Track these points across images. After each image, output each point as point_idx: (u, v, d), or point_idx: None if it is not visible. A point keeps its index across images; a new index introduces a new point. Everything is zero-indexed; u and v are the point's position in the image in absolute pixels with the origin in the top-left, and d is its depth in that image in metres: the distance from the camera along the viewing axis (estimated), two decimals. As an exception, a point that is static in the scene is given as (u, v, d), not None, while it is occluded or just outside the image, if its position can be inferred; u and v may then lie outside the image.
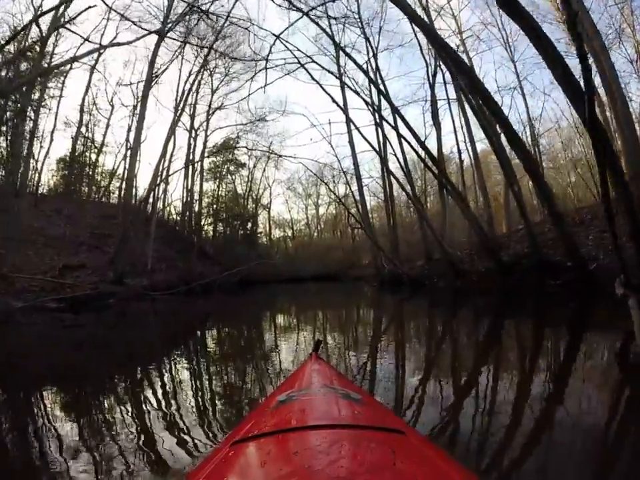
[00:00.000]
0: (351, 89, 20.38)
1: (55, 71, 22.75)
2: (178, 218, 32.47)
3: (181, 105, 25.31)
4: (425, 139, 20.12)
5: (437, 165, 15.46)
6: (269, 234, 46.76)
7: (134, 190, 22.74)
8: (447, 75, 19.71)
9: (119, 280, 16.82)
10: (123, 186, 25.68)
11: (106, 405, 3.40)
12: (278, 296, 21.13)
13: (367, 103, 20.83)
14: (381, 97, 22.90)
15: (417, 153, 17.77)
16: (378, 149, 23.57)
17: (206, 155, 33.46)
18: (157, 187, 22.10)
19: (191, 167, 32.01)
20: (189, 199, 31.99)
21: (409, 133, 16.50)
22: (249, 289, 25.78)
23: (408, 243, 25.91)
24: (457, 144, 22.90)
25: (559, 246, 10.94)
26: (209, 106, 33.23)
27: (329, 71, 19.98)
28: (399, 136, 19.33)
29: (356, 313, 11.58)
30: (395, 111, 18.70)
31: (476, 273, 13.09)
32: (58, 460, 2.18)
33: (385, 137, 23.58)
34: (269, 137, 39.78)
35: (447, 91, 22.08)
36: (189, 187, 31.94)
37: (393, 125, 19.83)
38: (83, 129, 29.14)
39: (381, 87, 21.12)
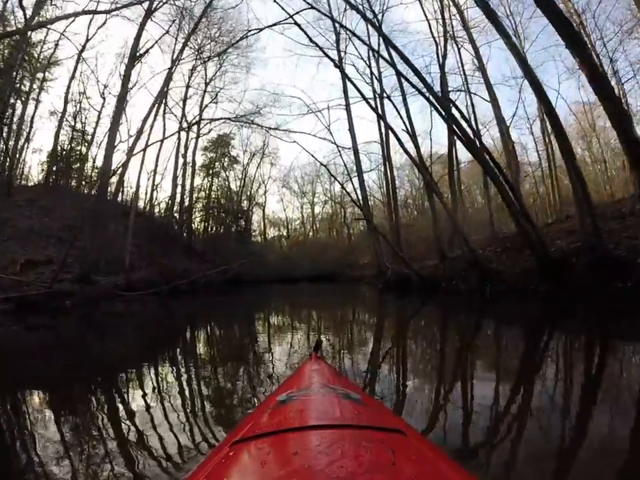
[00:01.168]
0: (351, 81, 18.03)
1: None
2: (167, 213, 29.62)
3: (166, 89, 22.75)
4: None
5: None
6: (263, 233, 44.97)
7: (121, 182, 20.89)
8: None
9: (86, 278, 14.23)
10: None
11: (102, 409, 3.18)
12: (269, 297, 18.85)
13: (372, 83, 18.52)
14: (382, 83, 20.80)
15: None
16: (380, 139, 21.28)
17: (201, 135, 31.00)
18: (125, 168, 19.44)
19: (182, 160, 29.74)
20: (178, 192, 29.69)
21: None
22: (239, 288, 23.66)
23: (408, 243, 23.45)
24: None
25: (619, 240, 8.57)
26: (202, 97, 31.17)
27: (328, 57, 17.53)
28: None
29: (366, 326, 8.95)
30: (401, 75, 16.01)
31: (510, 274, 10.60)
32: (58, 465, 2.07)
33: (387, 126, 21.24)
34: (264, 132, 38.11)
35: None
36: (181, 181, 29.71)
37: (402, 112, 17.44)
38: (71, 120, 26.97)
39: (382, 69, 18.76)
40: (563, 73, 31.20)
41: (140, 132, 19.42)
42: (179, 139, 29.25)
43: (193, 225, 33.77)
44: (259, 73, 67.66)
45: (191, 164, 31.61)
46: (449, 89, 18.84)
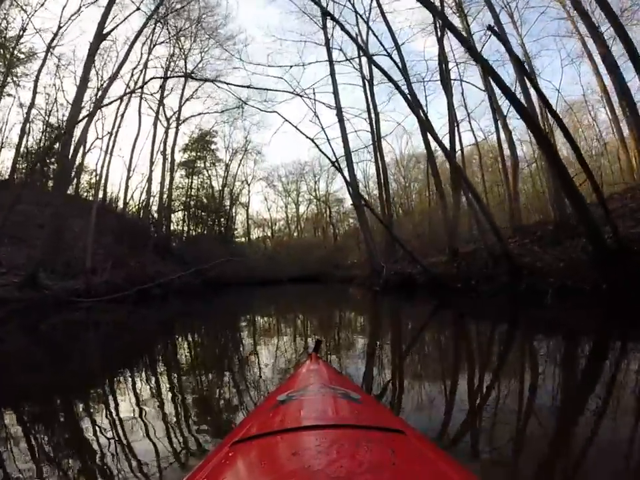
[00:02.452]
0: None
1: None
2: (141, 212, 26.94)
3: (138, 71, 20.32)
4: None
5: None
6: (247, 234, 42.61)
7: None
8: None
9: (31, 283, 11.74)
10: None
11: (100, 411, 3.02)
12: (250, 302, 16.46)
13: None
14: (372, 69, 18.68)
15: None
16: (370, 128, 19.13)
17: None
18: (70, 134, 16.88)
19: (160, 155, 27.25)
20: (156, 189, 27.23)
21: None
22: (220, 292, 21.23)
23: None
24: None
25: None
26: (182, 91, 28.98)
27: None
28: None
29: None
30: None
31: (554, 269, 8.37)
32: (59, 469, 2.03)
33: (377, 113, 19.21)
34: (247, 127, 35.93)
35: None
36: (159, 177, 27.18)
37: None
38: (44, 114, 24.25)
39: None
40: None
41: (99, 101, 16.77)
42: (154, 130, 26.79)
43: (172, 225, 31.33)
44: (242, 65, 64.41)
45: (169, 159, 29.24)
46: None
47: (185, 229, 33.48)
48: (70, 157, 15.94)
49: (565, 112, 20.91)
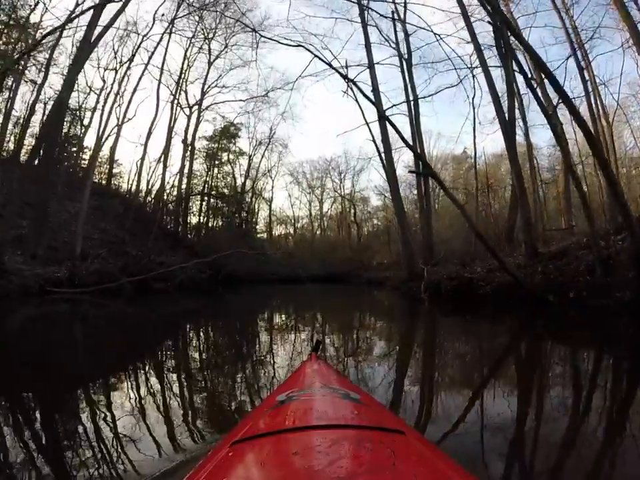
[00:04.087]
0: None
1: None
2: (153, 199, 24.25)
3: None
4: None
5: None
6: (269, 230, 39.84)
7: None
8: None
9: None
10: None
11: (101, 403, 2.95)
12: (260, 303, 13.82)
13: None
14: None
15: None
16: (407, 111, 16.20)
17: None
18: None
19: (180, 141, 24.86)
20: (172, 176, 24.77)
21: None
22: (232, 288, 18.72)
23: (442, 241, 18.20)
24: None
25: None
26: (205, 78, 27.27)
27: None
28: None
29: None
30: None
31: None
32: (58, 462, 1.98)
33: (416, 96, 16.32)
34: (272, 118, 33.16)
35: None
36: (178, 165, 24.70)
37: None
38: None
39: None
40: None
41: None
42: (171, 113, 24.29)
43: (189, 216, 28.69)
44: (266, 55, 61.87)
45: (190, 147, 26.78)
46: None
47: (203, 220, 30.82)
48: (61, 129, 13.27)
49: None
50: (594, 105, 14.86)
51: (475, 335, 6.62)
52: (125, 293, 12.65)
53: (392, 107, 14.91)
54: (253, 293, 17.27)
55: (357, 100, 14.40)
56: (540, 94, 15.02)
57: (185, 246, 21.94)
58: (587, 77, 14.91)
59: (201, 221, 30.44)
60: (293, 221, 42.60)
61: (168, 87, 24.87)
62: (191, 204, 29.16)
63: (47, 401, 3.06)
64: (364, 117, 15.22)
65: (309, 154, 73.19)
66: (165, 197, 25.50)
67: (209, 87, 27.50)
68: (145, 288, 13.81)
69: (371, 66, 14.75)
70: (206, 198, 30.47)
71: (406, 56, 16.72)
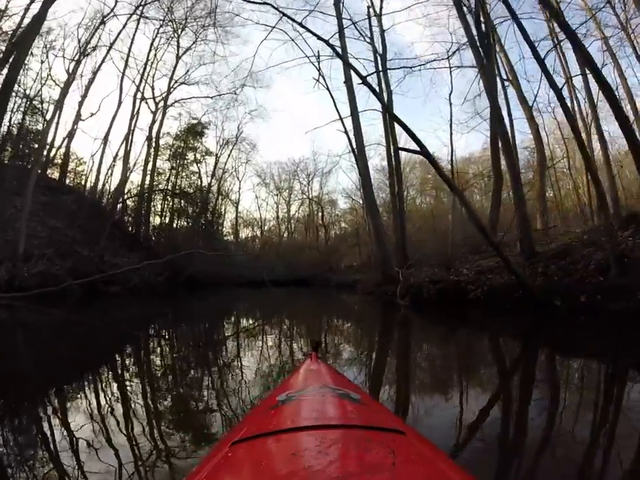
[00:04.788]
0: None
1: None
2: (112, 196, 22.63)
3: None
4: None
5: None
6: (235, 232, 38.34)
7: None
8: None
9: None
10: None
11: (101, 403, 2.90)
12: (223, 309, 12.58)
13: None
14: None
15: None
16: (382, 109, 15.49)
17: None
18: None
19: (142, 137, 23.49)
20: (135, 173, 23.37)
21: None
22: (193, 292, 17.44)
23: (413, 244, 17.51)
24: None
25: None
26: (172, 73, 26.12)
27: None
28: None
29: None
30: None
31: None
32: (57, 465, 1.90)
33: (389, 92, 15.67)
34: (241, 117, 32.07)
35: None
36: (140, 162, 23.27)
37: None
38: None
39: None
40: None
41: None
42: (133, 106, 22.88)
43: (151, 215, 27.09)
44: (238, 50, 60.02)
45: (154, 144, 25.45)
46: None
47: (166, 220, 29.21)
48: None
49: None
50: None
51: (470, 342, 5.85)
52: (73, 297, 11.37)
53: (367, 74, 14.02)
54: (216, 297, 16.09)
55: (328, 89, 13.54)
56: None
57: (144, 247, 20.52)
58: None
59: (164, 221, 28.85)
60: (260, 223, 41.36)
61: (133, 81, 23.65)
62: (154, 203, 27.68)
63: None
64: (336, 108, 14.33)
65: (277, 156, 72.20)
66: (125, 195, 24.02)
67: (176, 82, 26.34)
68: (96, 292, 12.52)
69: (345, 61, 13.88)
70: (170, 197, 28.94)
71: (381, 51, 16.04)
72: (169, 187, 28.87)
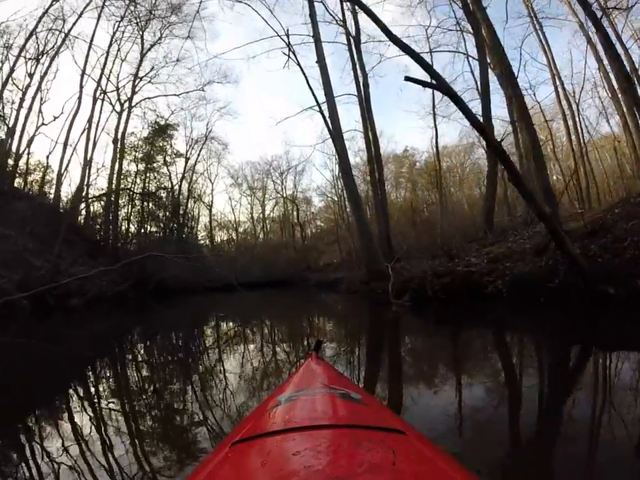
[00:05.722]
0: None
1: None
2: (72, 201, 20.99)
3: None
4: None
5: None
6: (210, 235, 36.59)
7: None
8: None
9: None
10: None
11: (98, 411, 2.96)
12: (183, 320, 10.94)
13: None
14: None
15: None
16: (357, 91, 14.40)
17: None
18: None
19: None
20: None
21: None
22: (166, 300, 16.18)
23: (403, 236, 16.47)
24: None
25: None
26: (137, 71, 24.63)
27: None
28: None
29: None
30: None
31: None
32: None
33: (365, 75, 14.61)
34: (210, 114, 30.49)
35: None
36: (105, 162, 21.56)
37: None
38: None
39: None
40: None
41: None
42: (93, 105, 21.37)
43: (119, 221, 25.29)
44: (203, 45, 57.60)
45: (119, 145, 23.93)
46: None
47: (136, 226, 27.47)
48: None
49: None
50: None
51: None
52: (23, 315, 9.90)
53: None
54: (186, 306, 14.84)
55: (300, 65, 12.31)
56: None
57: (110, 254, 18.92)
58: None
59: (131, 226, 27.12)
60: (234, 225, 39.89)
61: (91, 77, 22.21)
62: (125, 209, 26.00)
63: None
64: (309, 86, 13.04)
65: (250, 156, 70.45)
66: (90, 199, 22.40)
67: (141, 79, 24.91)
68: (51, 307, 11.04)
69: (317, 39, 12.67)
70: (138, 201, 27.20)
71: (354, 33, 14.87)
72: (136, 190, 27.19)
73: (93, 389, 3.79)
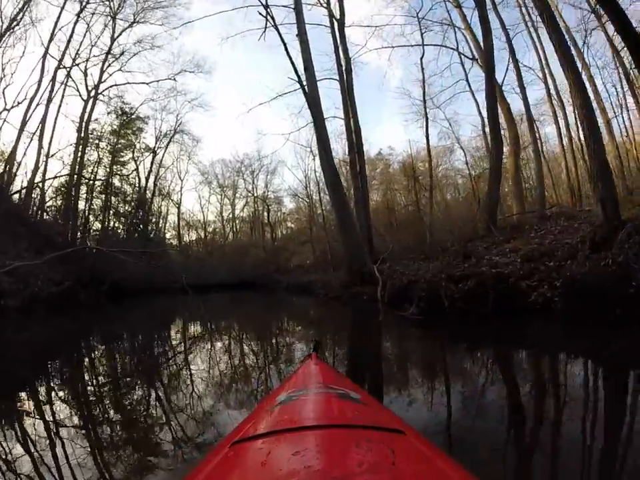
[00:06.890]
0: None
1: None
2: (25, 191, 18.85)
3: None
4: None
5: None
6: (178, 234, 34.59)
7: None
8: None
9: None
10: None
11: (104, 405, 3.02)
12: (136, 324, 9.66)
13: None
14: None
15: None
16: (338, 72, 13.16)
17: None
18: None
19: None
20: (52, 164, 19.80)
21: None
22: (121, 301, 14.75)
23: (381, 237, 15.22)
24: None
25: None
26: (106, 57, 22.36)
27: None
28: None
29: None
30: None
31: None
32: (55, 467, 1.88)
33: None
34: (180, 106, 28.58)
35: None
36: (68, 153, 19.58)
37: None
38: None
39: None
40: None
41: None
42: (52, 87, 19.34)
43: (78, 215, 23.07)
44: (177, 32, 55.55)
45: (83, 134, 21.88)
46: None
47: (96, 221, 25.31)
48: None
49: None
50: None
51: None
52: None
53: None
54: (143, 307, 13.53)
55: (277, 29, 10.76)
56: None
57: (60, 249, 16.95)
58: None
59: (90, 221, 24.90)
60: (204, 224, 37.98)
61: (57, 60, 20.08)
62: (84, 203, 23.84)
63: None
64: (288, 55, 11.44)
65: (221, 154, 68.46)
66: (44, 190, 20.31)
67: (110, 65, 22.84)
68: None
69: (298, 10, 11.23)
70: (102, 196, 25.08)
71: (338, 16, 13.55)
72: (101, 186, 25.04)
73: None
